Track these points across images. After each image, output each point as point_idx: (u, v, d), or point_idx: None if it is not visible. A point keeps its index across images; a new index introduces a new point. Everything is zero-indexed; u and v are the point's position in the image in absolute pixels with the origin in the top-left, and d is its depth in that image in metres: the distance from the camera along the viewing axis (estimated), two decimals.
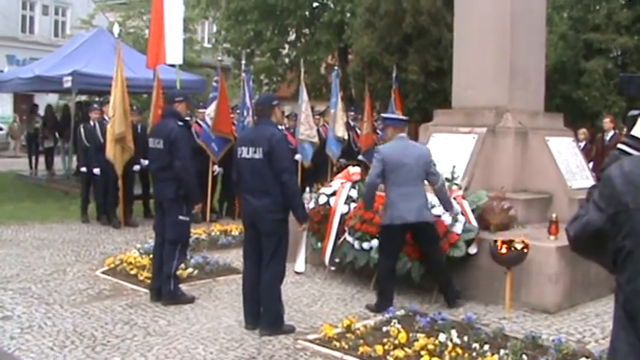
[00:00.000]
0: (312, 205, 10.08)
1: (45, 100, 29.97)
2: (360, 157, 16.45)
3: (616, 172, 2.68)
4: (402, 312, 7.70)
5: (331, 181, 10.99)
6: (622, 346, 2.72)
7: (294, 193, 7.33)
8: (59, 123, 22.34)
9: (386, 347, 6.51)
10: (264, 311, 7.30)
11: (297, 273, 9.84)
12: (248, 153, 7.25)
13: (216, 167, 14.41)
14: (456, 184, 9.15)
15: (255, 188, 7.23)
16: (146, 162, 13.63)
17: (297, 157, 14.75)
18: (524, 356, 6.30)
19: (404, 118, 9.15)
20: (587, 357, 6.39)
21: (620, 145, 2.95)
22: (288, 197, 7.21)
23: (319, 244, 9.93)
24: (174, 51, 11.98)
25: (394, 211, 8.05)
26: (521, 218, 9.35)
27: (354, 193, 9.89)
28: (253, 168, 7.21)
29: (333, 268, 9.76)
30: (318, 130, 15.77)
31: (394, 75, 17.79)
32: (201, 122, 14.31)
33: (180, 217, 8.29)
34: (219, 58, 19.08)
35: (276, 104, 7.60)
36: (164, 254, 8.34)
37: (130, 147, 13.34)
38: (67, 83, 16.82)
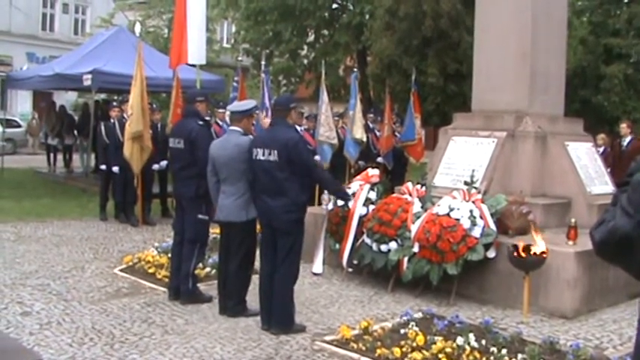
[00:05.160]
0: (330, 206, 10.08)
1: (64, 98, 30.18)
2: (379, 159, 16.44)
3: None
4: (419, 315, 7.69)
5: (349, 182, 10.98)
6: None
7: (328, 182, 7.49)
8: (77, 121, 22.44)
9: (403, 350, 6.51)
10: (275, 310, 7.31)
11: (314, 274, 9.81)
12: (263, 155, 7.25)
13: None
14: (475, 188, 9.12)
15: (271, 189, 7.25)
16: (164, 163, 13.71)
17: (316, 157, 14.73)
18: None
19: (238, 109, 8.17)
20: None
21: None
22: (328, 188, 7.56)
23: (337, 246, 9.94)
24: (196, 51, 12.00)
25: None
26: (539, 223, 9.30)
27: (372, 195, 9.89)
28: (269, 170, 7.22)
29: (350, 270, 9.76)
30: (336, 132, 15.75)
31: (413, 78, 17.75)
32: (221, 122, 14.32)
33: (200, 216, 8.30)
34: (239, 58, 19.13)
35: (293, 106, 7.57)
36: (183, 253, 8.37)
37: (147, 146, 13.36)
38: (87, 81, 16.90)
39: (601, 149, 14.38)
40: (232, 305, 7.78)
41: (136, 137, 13.15)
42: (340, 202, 9.91)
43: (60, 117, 22.80)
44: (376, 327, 7.22)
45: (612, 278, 8.45)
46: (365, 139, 16.11)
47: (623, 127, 16.00)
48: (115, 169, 13.92)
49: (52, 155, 23.32)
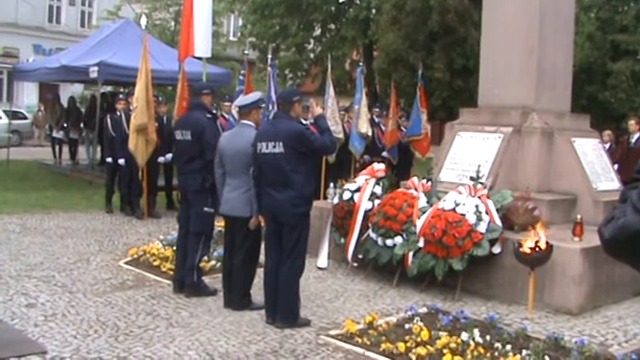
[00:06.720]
0: (336, 200, 10.08)
1: (70, 91, 30.17)
2: (384, 153, 16.41)
3: None
4: (424, 310, 7.70)
5: (354, 177, 10.96)
6: None
7: (326, 135, 7.46)
8: (84, 113, 22.43)
9: (408, 344, 6.50)
10: (280, 304, 7.31)
11: (319, 268, 9.85)
12: (267, 148, 7.24)
13: None
14: (481, 183, 9.10)
15: (277, 182, 7.24)
16: (169, 156, 13.72)
17: None
18: (546, 357, 6.26)
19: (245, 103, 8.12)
20: None
21: None
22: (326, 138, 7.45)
23: (342, 240, 9.93)
24: (202, 44, 11.99)
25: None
26: (545, 219, 9.29)
27: (378, 190, 9.88)
28: (274, 162, 7.22)
29: (355, 265, 9.76)
30: (342, 126, 15.71)
31: (420, 72, 17.71)
32: (227, 115, 14.32)
33: (205, 209, 8.30)
34: (246, 51, 19.12)
35: (296, 100, 7.52)
36: (188, 246, 8.38)
37: (152, 138, 13.35)
38: (94, 73, 16.88)
39: (607, 146, 14.32)
40: (237, 298, 7.79)
41: (141, 130, 13.14)
42: (346, 197, 9.90)
43: (67, 110, 22.77)
44: (381, 322, 7.22)
45: (618, 275, 8.43)
46: (370, 134, 16.06)
47: (632, 123, 15.88)
48: (121, 161, 13.93)
49: (57, 147, 23.31)
